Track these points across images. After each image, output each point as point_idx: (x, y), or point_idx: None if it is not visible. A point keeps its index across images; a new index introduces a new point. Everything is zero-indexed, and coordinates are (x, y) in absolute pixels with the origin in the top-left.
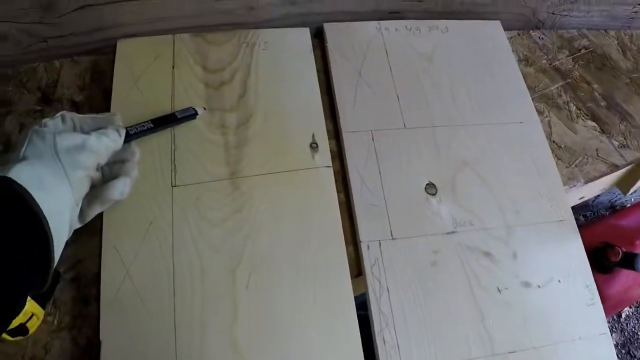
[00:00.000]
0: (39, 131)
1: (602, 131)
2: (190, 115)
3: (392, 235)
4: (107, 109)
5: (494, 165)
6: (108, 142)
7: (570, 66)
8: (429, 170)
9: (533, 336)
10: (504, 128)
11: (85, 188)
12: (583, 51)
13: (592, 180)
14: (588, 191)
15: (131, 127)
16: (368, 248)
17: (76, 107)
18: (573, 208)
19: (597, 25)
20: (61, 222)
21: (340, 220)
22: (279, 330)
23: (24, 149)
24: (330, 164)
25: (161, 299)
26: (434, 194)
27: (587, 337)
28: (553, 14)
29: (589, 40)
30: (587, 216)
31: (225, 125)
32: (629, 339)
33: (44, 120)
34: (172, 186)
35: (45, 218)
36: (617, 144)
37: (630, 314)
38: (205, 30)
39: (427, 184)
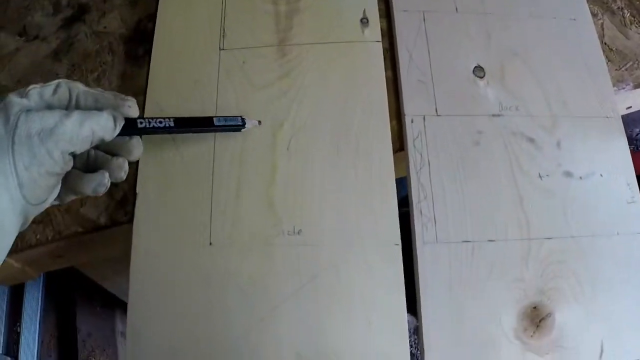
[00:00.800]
0: (7, 105)
1: None
2: (234, 126)
3: (437, 112)
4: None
5: (543, 57)
6: (95, 128)
7: None
8: (478, 55)
9: (571, 225)
10: (556, 23)
11: (44, 185)
12: None
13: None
14: (637, 100)
15: (143, 119)
16: (412, 122)
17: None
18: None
19: None
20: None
21: (386, 94)
22: (315, 194)
23: None
24: (380, 39)
25: (200, 155)
26: (482, 77)
27: (626, 234)
28: None
29: None
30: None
31: None
32: None
33: (28, 89)
34: (220, 49)
35: None
36: None
37: None
38: None
39: (475, 67)
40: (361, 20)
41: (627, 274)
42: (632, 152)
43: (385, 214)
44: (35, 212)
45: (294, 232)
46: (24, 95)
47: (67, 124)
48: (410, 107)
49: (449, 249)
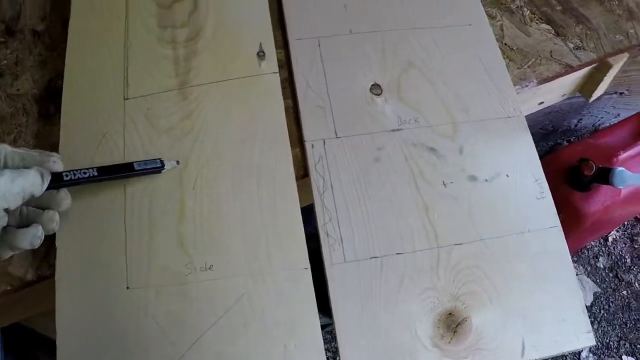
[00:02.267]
0: None
1: (557, 34)
2: (154, 168)
3: (336, 134)
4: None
5: (441, 66)
6: (24, 184)
7: None
8: (374, 72)
9: (480, 228)
10: (452, 30)
11: None
12: None
13: (545, 80)
14: (547, 95)
15: (68, 171)
16: (312, 147)
17: (38, 37)
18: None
19: None
20: None
21: (286, 123)
22: (222, 228)
23: None
24: (277, 71)
25: (113, 201)
26: (379, 94)
27: (537, 230)
28: None
29: None
30: (570, 141)
31: (175, 41)
32: (617, 262)
33: None
34: (124, 99)
35: None
36: (573, 45)
37: (617, 237)
38: None
39: (372, 85)
40: (258, 53)
41: (542, 268)
42: (572, 143)
43: (292, 239)
44: None
45: (205, 268)
46: None
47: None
48: (310, 133)
49: (357, 267)
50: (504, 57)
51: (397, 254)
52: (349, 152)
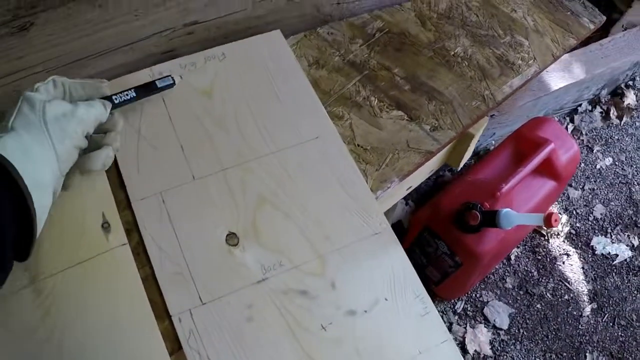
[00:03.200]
0: (29, 98)
1: (410, 118)
2: (168, 84)
3: (201, 301)
4: None
5: (293, 193)
6: (96, 113)
7: (366, 56)
8: (226, 219)
9: None
10: (299, 149)
11: (73, 158)
12: (378, 35)
13: (407, 175)
14: (414, 180)
15: (115, 95)
16: (180, 321)
17: None
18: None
19: (390, 0)
20: (45, 193)
21: (145, 297)
22: None
23: (12, 118)
24: (126, 241)
25: None
26: (235, 244)
27: (428, 350)
28: (339, 3)
29: (382, 20)
30: (453, 171)
31: None
32: (524, 278)
33: (36, 85)
34: None
35: (29, 193)
36: (429, 127)
37: (519, 253)
38: None
39: (227, 235)
40: (102, 225)
41: None
42: (455, 176)
43: None
44: (60, 187)
45: None
46: (35, 90)
47: (80, 110)
48: (174, 305)
49: None
50: (359, 161)
51: None
52: (218, 318)
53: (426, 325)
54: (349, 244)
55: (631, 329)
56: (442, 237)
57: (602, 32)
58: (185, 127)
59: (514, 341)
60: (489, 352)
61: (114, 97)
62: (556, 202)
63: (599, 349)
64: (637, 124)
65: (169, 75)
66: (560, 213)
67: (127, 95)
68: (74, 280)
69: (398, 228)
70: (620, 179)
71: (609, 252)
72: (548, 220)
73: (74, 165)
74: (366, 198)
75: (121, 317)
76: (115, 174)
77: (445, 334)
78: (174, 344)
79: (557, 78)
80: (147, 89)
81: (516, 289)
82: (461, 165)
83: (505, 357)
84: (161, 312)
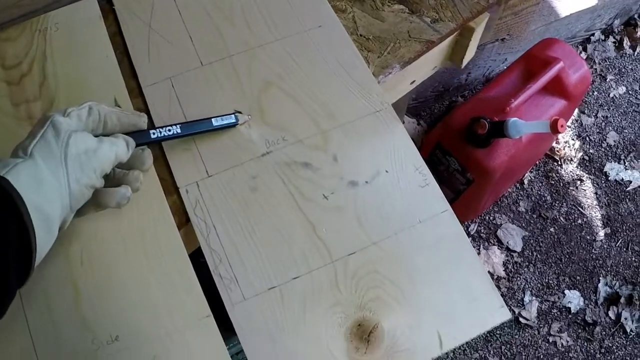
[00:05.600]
0: (56, 124)
1: (412, 12)
2: (230, 124)
3: (207, 173)
4: None
5: (298, 76)
6: (117, 151)
7: None
8: (233, 101)
9: (371, 232)
10: (303, 36)
11: (85, 197)
12: None
13: (408, 62)
14: (417, 73)
15: (155, 130)
16: (187, 192)
17: None
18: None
19: None
20: (51, 227)
21: (156, 174)
22: (118, 298)
23: (35, 142)
24: None
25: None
26: (242, 122)
27: (428, 219)
28: None
29: None
30: (465, 96)
31: (32, 116)
32: (537, 202)
33: (68, 110)
34: None
35: (33, 230)
36: (430, 20)
37: (532, 178)
38: None
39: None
40: None
41: (441, 255)
42: (463, 102)
43: (188, 290)
44: (69, 220)
45: (112, 340)
46: (66, 115)
47: (103, 148)
48: (181, 178)
49: (258, 301)
50: (361, 49)
51: (294, 278)
52: (224, 189)
53: (426, 196)
54: (352, 121)
55: None
56: (453, 153)
57: None
58: (194, 20)
59: (527, 263)
60: (502, 274)
61: (151, 132)
62: (569, 127)
63: (612, 273)
64: None
65: (233, 113)
66: (573, 139)
67: (169, 130)
68: None
69: None
70: (633, 107)
71: (623, 179)
72: (554, 126)
73: (91, 200)
74: (368, 80)
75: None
76: (127, 63)
77: (445, 205)
78: (182, 218)
79: (568, 4)
80: (195, 126)
81: (529, 213)
82: (464, 63)
83: (518, 278)
84: (170, 188)
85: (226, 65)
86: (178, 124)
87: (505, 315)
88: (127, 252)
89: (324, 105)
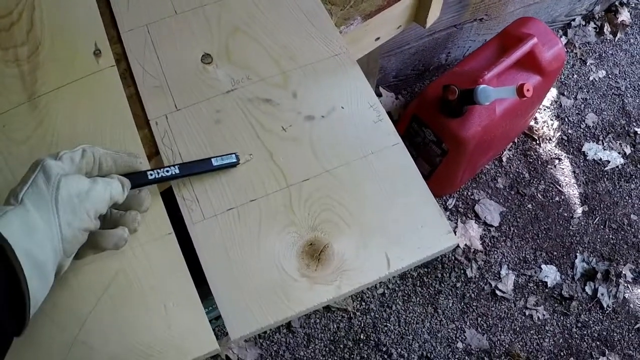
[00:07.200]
0: (46, 169)
1: None
2: (230, 163)
3: (176, 107)
4: None
5: (265, 24)
6: (112, 192)
7: None
8: (203, 44)
9: (324, 161)
10: None
11: (80, 241)
12: None
13: (370, 16)
14: (381, 30)
15: (153, 170)
16: (157, 124)
17: None
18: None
19: None
20: (44, 274)
21: (128, 108)
22: None
23: (26, 188)
24: (114, 64)
25: None
26: (209, 63)
27: (379, 150)
28: None
29: None
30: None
31: (18, 59)
32: (515, 179)
33: (61, 153)
34: None
35: (24, 275)
36: None
37: (511, 156)
38: None
39: (202, 55)
40: (94, 52)
41: (391, 184)
42: (439, 76)
43: (152, 209)
44: (66, 265)
45: None
46: (57, 158)
47: (97, 189)
48: (152, 112)
49: (217, 221)
50: (326, 3)
51: (251, 200)
52: (190, 121)
53: (379, 130)
54: (312, 63)
55: (622, 232)
56: (429, 123)
57: None
58: None
59: (504, 238)
60: (479, 247)
61: (149, 173)
62: (547, 108)
63: (589, 250)
64: (632, 40)
65: (233, 153)
66: (551, 119)
67: (167, 171)
68: (66, 96)
69: None
70: (613, 90)
71: (601, 159)
72: (520, 90)
73: (87, 243)
74: (328, 28)
75: (106, 125)
76: (108, 15)
77: (396, 138)
78: (152, 148)
79: None
80: (194, 167)
81: (507, 189)
82: (429, 23)
83: (495, 252)
84: (142, 122)
85: (198, 14)
86: (177, 164)
87: (451, 240)
88: None
89: (286, 49)
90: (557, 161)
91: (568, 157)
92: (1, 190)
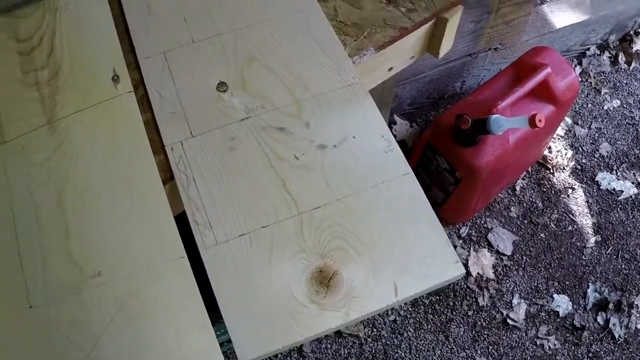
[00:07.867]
0: None
1: (389, 2)
2: None
3: (191, 134)
4: None
5: (279, 54)
6: None
7: None
8: (219, 72)
9: (335, 190)
10: (285, 20)
11: None
12: None
13: (383, 47)
14: (394, 60)
15: None
16: (172, 149)
17: None
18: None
19: None
20: None
21: (145, 134)
22: (104, 238)
23: None
24: (131, 89)
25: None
26: (225, 90)
27: (390, 180)
28: None
29: None
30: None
31: (39, 82)
32: (528, 208)
33: None
34: (1, 143)
35: None
36: (405, 9)
37: (524, 185)
38: (15, 8)
39: (218, 83)
40: (112, 78)
41: (400, 213)
42: (453, 105)
43: (166, 233)
44: None
45: (94, 275)
46: None
47: None
48: (168, 138)
49: (229, 246)
50: (339, 34)
51: (263, 227)
52: (205, 147)
53: (389, 160)
54: (325, 93)
55: (635, 262)
56: (442, 152)
57: None
58: (188, 3)
59: (516, 267)
60: (492, 276)
61: None
62: (561, 137)
63: (601, 280)
64: None
65: None
66: (565, 149)
67: None
68: (85, 120)
69: (401, 147)
70: (627, 120)
71: (614, 188)
72: (532, 121)
73: None
74: (342, 58)
75: (124, 150)
76: (127, 42)
77: (407, 168)
78: (167, 174)
79: (562, 16)
80: None
81: (520, 218)
82: (441, 54)
83: (507, 281)
84: (158, 148)
85: (215, 42)
86: None
87: (458, 269)
88: (115, 198)
89: (300, 79)
90: (570, 190)
91: (581, 187)
92: (20, 212)
